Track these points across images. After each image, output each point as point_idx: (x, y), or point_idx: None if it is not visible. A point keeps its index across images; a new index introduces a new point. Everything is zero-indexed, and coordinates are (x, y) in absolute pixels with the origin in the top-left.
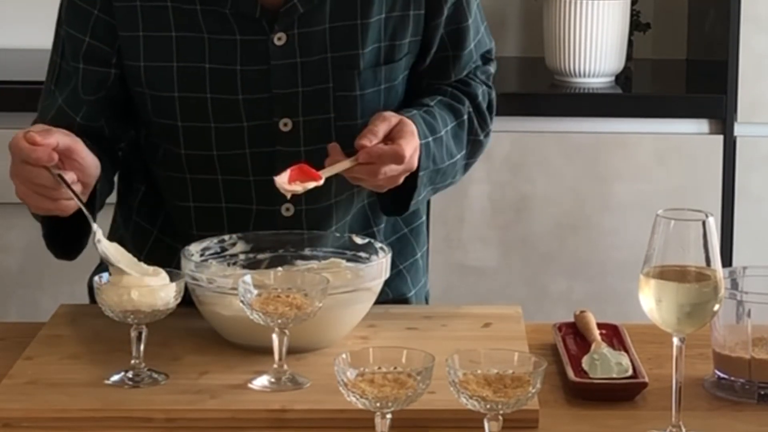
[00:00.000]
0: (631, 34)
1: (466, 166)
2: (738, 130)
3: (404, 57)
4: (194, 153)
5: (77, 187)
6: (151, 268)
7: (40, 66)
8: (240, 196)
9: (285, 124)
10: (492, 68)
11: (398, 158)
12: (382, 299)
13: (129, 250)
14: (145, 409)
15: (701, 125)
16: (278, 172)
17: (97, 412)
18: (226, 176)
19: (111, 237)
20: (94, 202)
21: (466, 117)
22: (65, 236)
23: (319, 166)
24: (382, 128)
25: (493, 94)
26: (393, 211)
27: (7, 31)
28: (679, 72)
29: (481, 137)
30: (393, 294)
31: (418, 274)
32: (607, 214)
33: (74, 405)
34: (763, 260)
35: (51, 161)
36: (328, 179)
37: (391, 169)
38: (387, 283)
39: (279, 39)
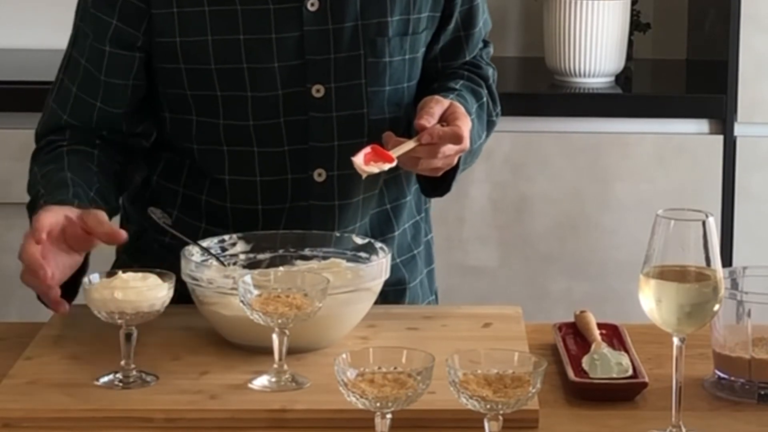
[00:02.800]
0: (631, 34)
1: (480, 146)
2: (738, 130)
3: (425, 30)
4: (231, 123)
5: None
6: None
7: (40, 66)
8: (274, 168)
9: (318, 90)
10: (491, 49)
11: (457, 138)
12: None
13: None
14: (145, 409)
15: (701, 125)
16: (354, 153)
17: (97, 412)
18: (260, 148)
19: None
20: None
21: (485, 99)
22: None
23: (354, 134)
24: (437, 110)
25: (496, 75)
26: (434, 193)
27: (7, 31)
28: (679, 72)
29: (494, 117)
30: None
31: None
32: (607, 214)
33: (74, 405)
34: (763, 260)
35: (52, 287)
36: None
37: (449, 149)
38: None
39: (312, 5)
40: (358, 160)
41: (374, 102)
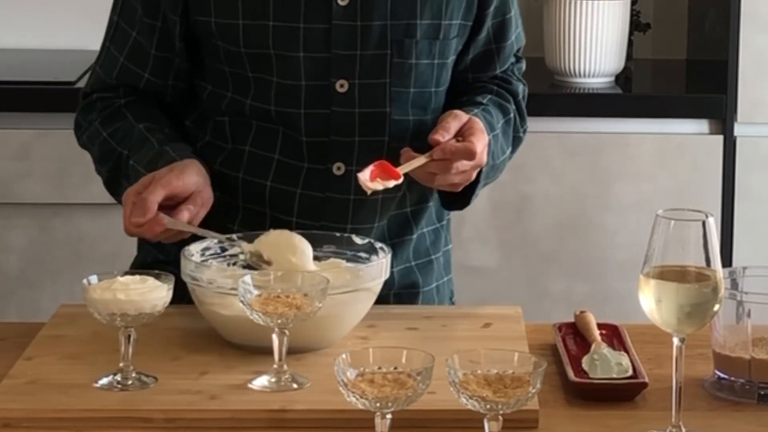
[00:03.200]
0: (631, 34)
1: (505, 161)
2: (738, 130)
3: (455, 38)
4: (257, 105)
5: (189, 219)
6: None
7: (40, 66)
8: (293, 152)
9: (341, 86)
10: (523, 65)
11: (470, 154)
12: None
13: None
14: (145, 409)
15: (701, 125)
16: (361, 168)
17: (97, 412)
18: (282, 131)
19: None
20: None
21: (512, 115)
22: None
23: (376, 131)
24: (453, 125)
25: (527, 91)
26: (454, 207)
27: (7, 31)
28: (679, 72)
29: (521, 133)
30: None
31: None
32: (607, 214)
33: (74, 405)
34: (763, 260)
35: (159, 230)
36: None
37: (463, 164)
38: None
39: (342, 0)
40: (364, 176)
41: (398, 102)
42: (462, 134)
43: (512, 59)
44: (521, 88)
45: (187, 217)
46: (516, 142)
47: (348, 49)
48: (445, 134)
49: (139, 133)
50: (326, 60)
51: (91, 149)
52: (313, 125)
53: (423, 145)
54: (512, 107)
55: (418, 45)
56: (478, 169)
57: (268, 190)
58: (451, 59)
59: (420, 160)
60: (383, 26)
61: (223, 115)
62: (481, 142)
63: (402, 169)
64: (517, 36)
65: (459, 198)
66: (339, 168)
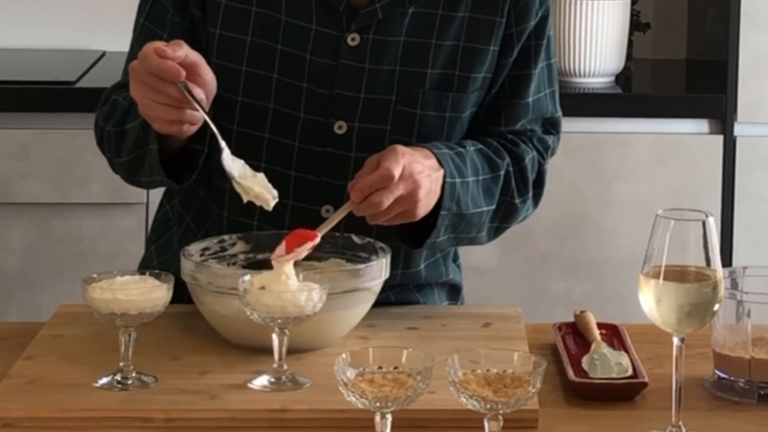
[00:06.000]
0: (631, 34)
1: (497, 230)
2: (738, 130)
3: (476, 91)
4: (245, 132)
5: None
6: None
7: (40, 66)
8: (278, 188)
9: (340, 127)
10: (551, 141)
11: (386, 179)
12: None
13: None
14: (145, 409)
15: (701, 125)
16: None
17: (97, 412)
18: (269, 165)
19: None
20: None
21: (503, 173)
22: (176, 162)
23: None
24: (368, 165)
25: (545, 166)
26: (411, 244)
27: (7, 31)
28: (679, 72)
29: (517, 201)
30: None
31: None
32: (607, 214)
33: (74, 405)
34: (763, 260)
35: (180, 76)
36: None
37: (386, 193)
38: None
39: (353, 39)
40: (279, 253)
41: None
42: (380, 163)
43: (527, 123)
44: (531, 156)
45: (201, 93)
46: (509, 208)
47: (351, 91)
48: (357, 177)
49: None
50: (328, 97)
51: (109, 136)
52: (304, 161)
53: None
54: (505, 166)
55: (425, 95)
56: (423, 201)
57: (255, 229)
58: (470, 112)
59: (340, 213)
60: (392, 71)
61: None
62: (395, 163)
63: (321, 229)
64: (537, 100)
65: (415, 237)
66: (328, 211)
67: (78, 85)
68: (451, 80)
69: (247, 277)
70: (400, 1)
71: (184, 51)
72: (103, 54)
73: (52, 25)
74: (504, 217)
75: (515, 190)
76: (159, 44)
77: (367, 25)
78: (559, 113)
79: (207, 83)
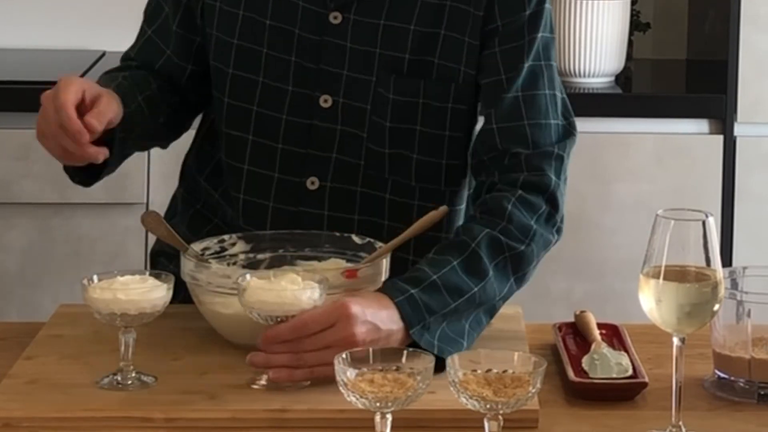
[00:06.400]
0: (631, 34)
1: (518, 280)
2: (738, 130)
3: (453, 83)
4: (236, 104)
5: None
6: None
7: (40, 66)
8: (264, 162)
9: (325, 101)
10: (522, 175)
11: (295, 330)
12: None
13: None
14: (145, 409)
15: (701, 125)
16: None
17: (97, 412)
18: (257, 138)
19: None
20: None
21: (473, 246)
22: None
23: (352, 152)
24: (322, 319)
25: (532, 201)
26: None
27: (7, 31)
28: (679, 72)
29: (521, 248)
30: None
31: None
32: (607, 214)
33: (74, 405)
34: (763, 260)
35: (84, 140)
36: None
37: (299, 344)
38: None
39: (335, 18)
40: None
41: (374, 131)
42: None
43: (515, 146)
44: (511, 204)
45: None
46: (515, 259)
47: (336, 67)
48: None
49: (116, 77)
50: (315, 71)
51: None
52: (291, 134)
53: (405, 178)
54: (478, 239)
55: (401, 80)
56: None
57: (242, 203)
58: (451, 106)
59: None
60: (370, 53)
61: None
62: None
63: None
64: (538, 103)
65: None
66: (313, 183)
67: None
68: (428, 67)
69: (247, 276)
70: None
71: (74, 96)
72: (103, 54)
73: (52, 25)
74: (515, 269)
75: (508, 244)
76: (73, 104)
77: (348, 5)
78: (550, 137)
79: (101, 113)
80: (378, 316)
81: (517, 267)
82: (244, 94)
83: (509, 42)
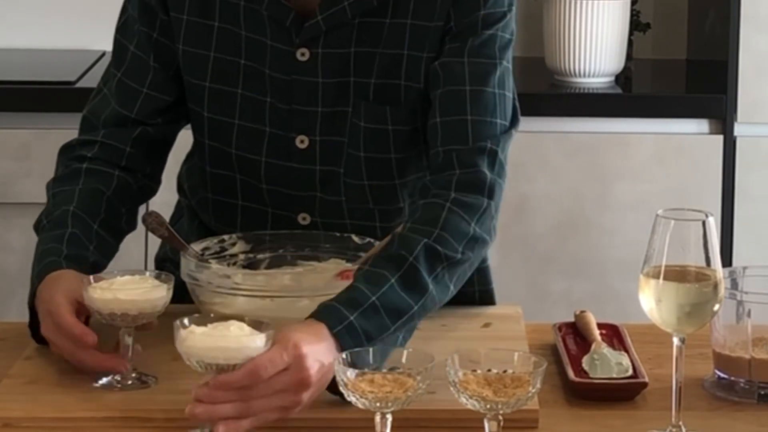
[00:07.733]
0: (631, 34)
1: (456, 284)
2: (738, 130)
3: (417, 105)
4: (215, 146)
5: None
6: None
7: (40, 66)
8: (256, 198)
9: (302, 141)
10: (455, 174)
11: (253, 374)
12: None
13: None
14: (145, 409)
15: (701, 125)
16: None
17: (97, 412)
18: (243, 176)
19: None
20: None
21: (411, 260)
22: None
23: (332, 191)
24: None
25: (469, 202)
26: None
27: (7, 31)
28: (679, 72)
29: (458, 257)
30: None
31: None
32: (607, 214)
33: (74, 405)
34: (763, 260)
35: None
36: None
37: (251, 391)
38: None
39: (302, 55)
40: None
41: (350, 165)
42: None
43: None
44: (446, 210)
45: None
46: (457, 266)
47: (308, 105)
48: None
49: (64, 218)
50: (288, 112)
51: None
52: (272, 175)
53: (391, 205)
54: (415, 251)
55: (369, 107)
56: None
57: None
58: (413, 128)
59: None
60: (343, 83)
61: (191, 156)
62: (258, 360)
63: None
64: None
65: None
66: (304, 218)
67: (78, 85)
68: (395, 90)
69: (185, 320)
70: (342, 12)
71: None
72: (103, 54)
73: (52, 25)
74: (461, 274)
75: (446, 255)
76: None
77: (314, 39)
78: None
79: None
80: (320, 352)
81: (455, 274)
82: (222, 136)
83: (460, 37)
